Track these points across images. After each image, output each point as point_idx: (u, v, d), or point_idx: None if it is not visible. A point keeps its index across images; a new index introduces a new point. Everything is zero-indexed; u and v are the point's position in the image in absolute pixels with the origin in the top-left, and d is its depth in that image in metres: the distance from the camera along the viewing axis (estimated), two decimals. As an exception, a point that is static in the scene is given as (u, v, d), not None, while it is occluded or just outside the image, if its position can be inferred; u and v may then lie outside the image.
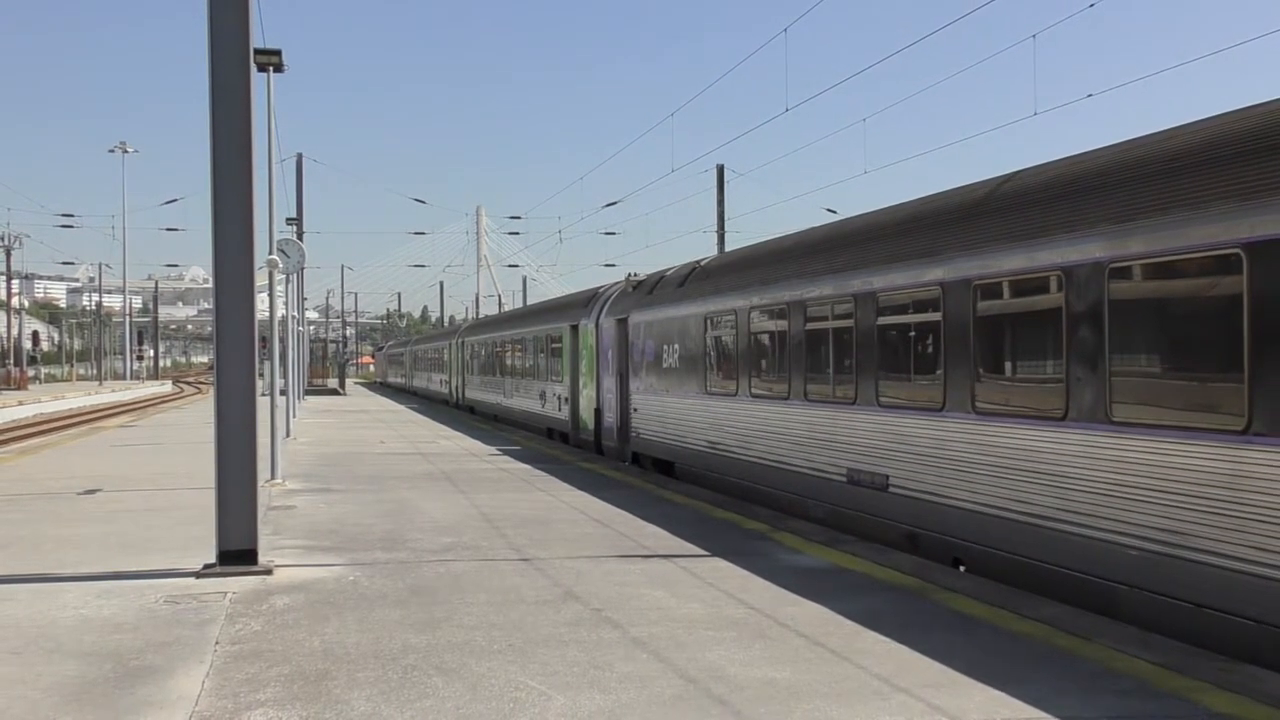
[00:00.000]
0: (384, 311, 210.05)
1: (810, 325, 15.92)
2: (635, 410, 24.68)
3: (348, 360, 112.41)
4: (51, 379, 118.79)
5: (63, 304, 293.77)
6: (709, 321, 20.08)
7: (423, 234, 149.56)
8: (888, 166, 59.39)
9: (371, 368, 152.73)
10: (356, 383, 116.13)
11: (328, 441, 30.56)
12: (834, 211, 45.58)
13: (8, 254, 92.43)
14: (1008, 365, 11.66)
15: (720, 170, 49.04)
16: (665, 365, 22.52)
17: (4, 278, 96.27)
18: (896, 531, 13.51)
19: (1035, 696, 7.22)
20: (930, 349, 12.87)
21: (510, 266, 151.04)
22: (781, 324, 16.91)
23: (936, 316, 12.65)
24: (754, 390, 17.93)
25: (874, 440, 14.09)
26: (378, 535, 13.95)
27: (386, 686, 7.49)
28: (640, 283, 26.37)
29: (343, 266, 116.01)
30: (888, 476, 13.73)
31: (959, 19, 22.40)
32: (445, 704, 7.11)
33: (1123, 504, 9.76)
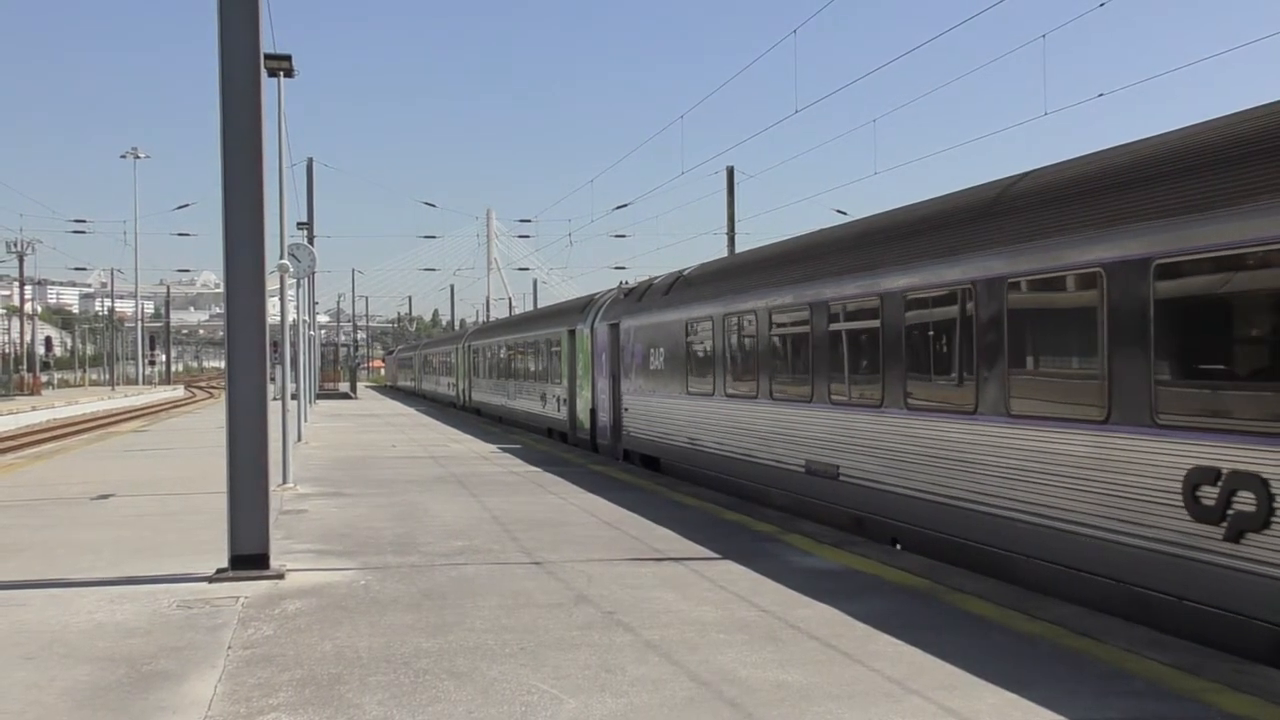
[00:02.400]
0: (395, 315, 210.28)
1: (774, 330, 17.57)
2: (626, 410, 26.21)
3: (359, 364, 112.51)
4: (64, 384, 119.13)
5: (75, 309, 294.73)
6: (689, 327, 21.68)
7: (433, 237, 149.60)
8: (897, 167, 59.48)
9: (382, 371, 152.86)
10: (368, 386, 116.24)
11: (339, 445, 30.59)
12: (844, 213, 45.61)
13: (21, 259, 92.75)
14: (932, 366, 13.15)
15: (730, 172, 49.07)
16: (652, 368, 24.08)
17: (17, 283, 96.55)
18: (846, 516, 15.10)
19: (1047, 698, 7.21)
20: (872, 353, 14.43)
21: (520, 269, 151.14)
22: (751, 329, 18.49)
23: (876, 324, 14.24)
24: (728, 390, 19.48)
25: (827, 435, 15.70)
26: (389, 539, 13.97)
27: (398, 690, 7.50)
28: (631, 290, 28.04)
29: (353, 270, 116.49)
30: (838, 467, 15.32)
31: (969, 19, 22.40)
32: (457, 708, 7.12)
33: (1019, 485, 11.37)
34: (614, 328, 27.53)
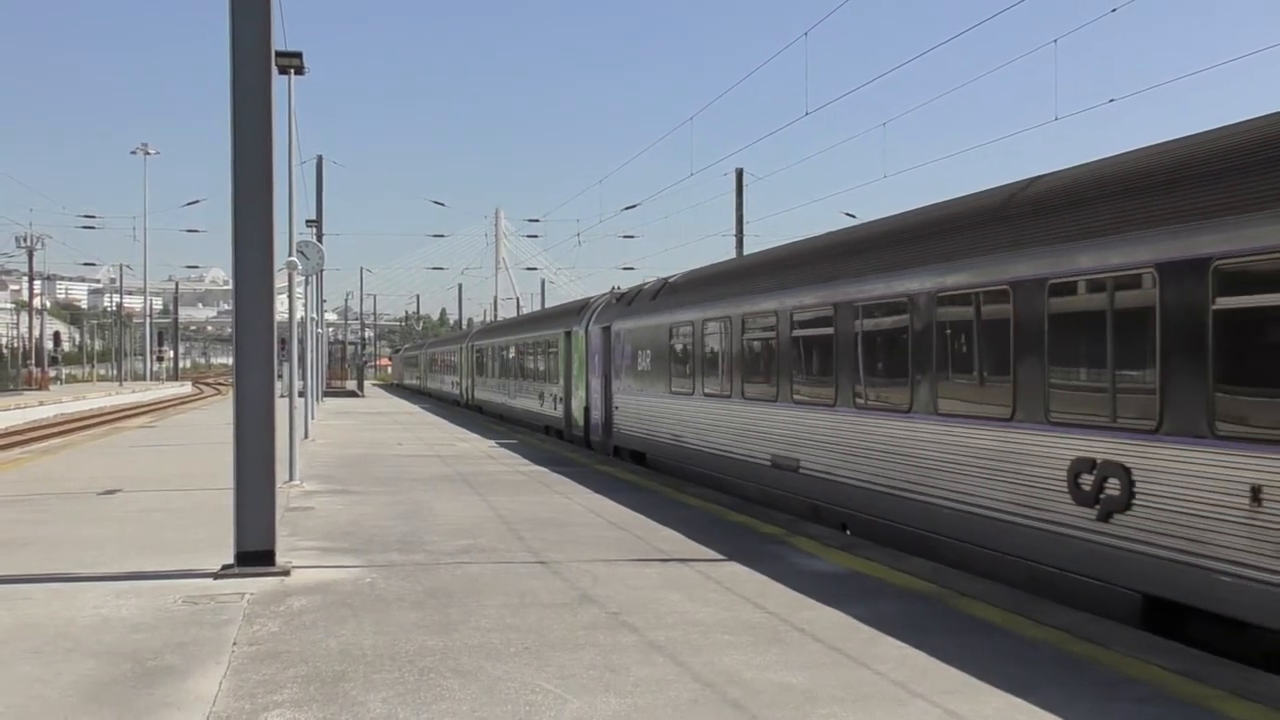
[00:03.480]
0: (403, 314, 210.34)
1: (747, 335, 19.03)
2: (617, 408, 27.73)
3: (366, 362, 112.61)
4: (72, 379, 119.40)
5: (84, 305, 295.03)
6: (672, 331, 23.28)
7: (442, 236, 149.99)
8: (907, 171, 59.45)
9: (389, 369, 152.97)
10: (374, 384, 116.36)
11: (345, 443, 30.62)
12: (852, 216, 45.55)
13: (30, 254, 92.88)
14: (877, 369, 14.64)
15: (739, 174, 49.04)
16: (640, 369, 25.63)
17: (26, 278, 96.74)
18: (806, 505, 16.49)
19: (1051, 703, 7.20)
20: (828, 357, 15.87)
21: (529, 269, 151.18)
22: (725, 333, 20.05)
23: (831, 331, 15.69)
24: (705, 390, 21.01)
25: (789, 431, 17.17)
26: (395, 537, 13.98)
27: (403, 688, 7.51)
28: (623, 295, 29.68)
29: (361, 269, 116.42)
30: (799, 460, 16.77)
31: (980, 23, 22.41)
32: (461, 706, 7.12)
33: (946, 475, 12.79)
34: (606, 330, 28.96)
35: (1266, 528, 8.56)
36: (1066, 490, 10.70)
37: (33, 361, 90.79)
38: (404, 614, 9.74)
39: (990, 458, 11.93)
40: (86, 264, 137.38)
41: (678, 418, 22.70)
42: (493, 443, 30.87)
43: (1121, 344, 10.25)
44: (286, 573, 11.47)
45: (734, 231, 48.99)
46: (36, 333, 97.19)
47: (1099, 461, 10.31)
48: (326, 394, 64.47)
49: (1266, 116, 9.59)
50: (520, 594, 10.57)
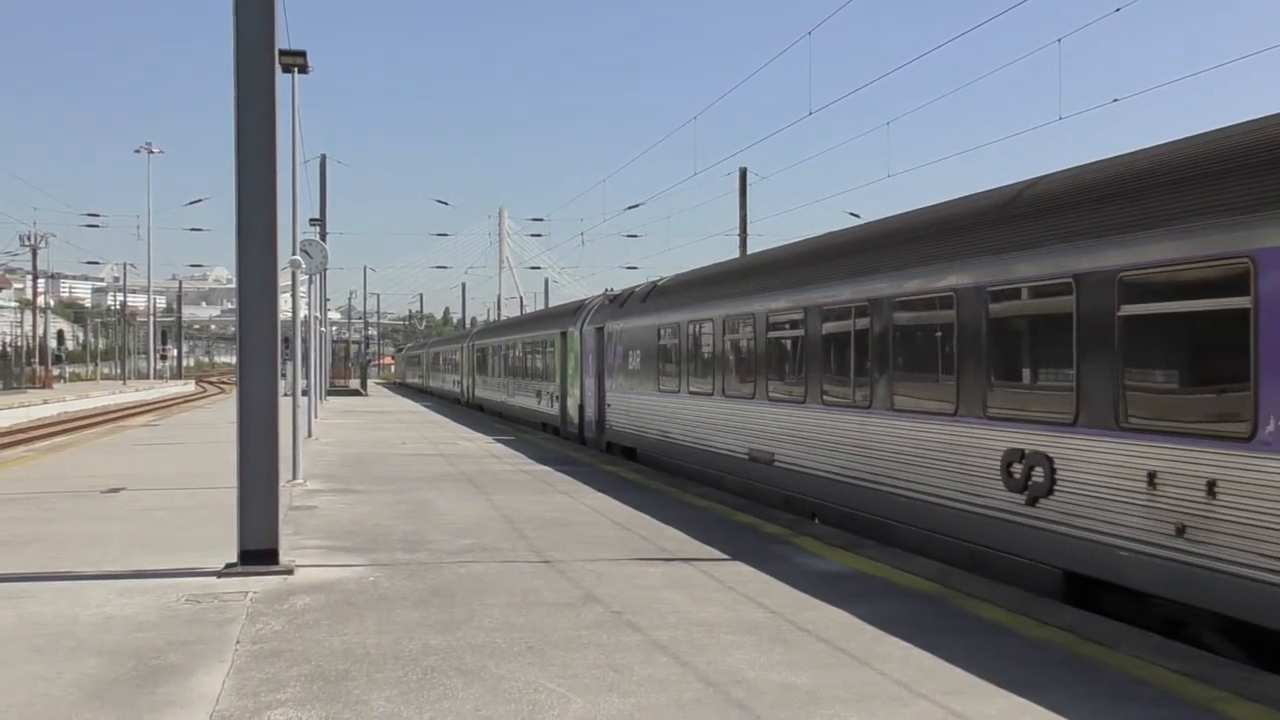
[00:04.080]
0: (406, 313, 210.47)
1: (727, 336, 20.14)
2: (609, 405, 28.87)
3: (369, 361, 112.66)
4: (76, 378, 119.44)
5: (88, 303, 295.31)
6: (660, 332, 24.47)
7: (445, 235, 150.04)
8: (911, 170, 59.47)
9: (393, 369, 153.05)
10: (378, 383, 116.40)
11: (349, 442, 30.63)
12: (856, 215, 45.60)
13: (34, 253, 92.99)
14: (841, 369, 15.58)
15: (743, 173, 48.98)
16: (631, 368, 26.81)
17: (30, 276, 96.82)
18: (779, 496, 17.66)
19: (1056, 704, 7.18)
20: (798, 357, 17.04)
21: (532, 268, 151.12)
22: (709, 335, 21.21)
23: (801, 332, 16.88)
24: (691, 389, 22.14)
25: (765, 427, 18.26)
26: (398, 536, 13.97)
27: (406, 687, 7.50)
28: (615, 297, 30.89)
29: (365, 268, 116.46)
30: (773, 454, 17.84)
31: (983, 23, 22.37)
32: (464, 705, 7.11)
33: (900, 466, 13.82)
34: (600, 331, 30.15)
35: (1160, 508, 9.62)
36: (1000, 478, 11.80)
37: (37, 360, 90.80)
38: (407, 613, 9.73)
39: (937, 449, 13.03)
40: (90, 262, 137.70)
41: (665, 415, 23.87)
42: (496, 442, 30.87)
43: (1046, 345, 11.50)
44: (290, 571, 11.46)
45: (738, 231, 48.95)
46: (40, 331, 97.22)
47: (1027, 452, 11.39)
48: (330, 393, 64.50)
49: (1166, 144, 10.79)
50: (524, 593, 10.56)
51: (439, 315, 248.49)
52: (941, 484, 12.88)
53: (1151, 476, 9.69)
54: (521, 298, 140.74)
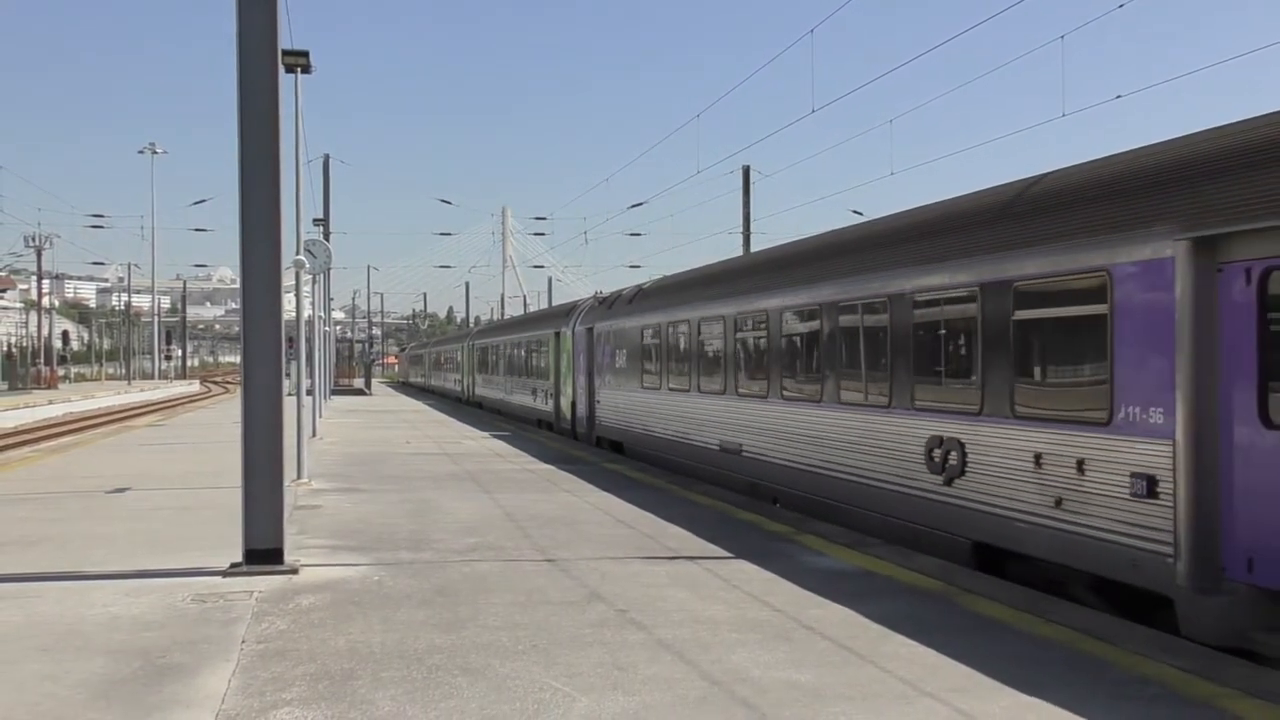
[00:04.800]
0: (410, 312, 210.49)
1: (702, 337, 21.84)
2: (598, 402, 30.71)
3: (373, 360, 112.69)
4: (81, 378, 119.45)
5: (92, 304, 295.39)
6: (643, 332, 26.20)
7: (449, 234, 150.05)
8: (914, 168, 59.40)
9: (396, 368, 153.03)
10: (381, 382, 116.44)
11: (353, 441, 30.64)
12: (859, 213, 45.63)
13: (39, 254, 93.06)
14: (797, 366, 17.45)
15: (746, 171, 49.00)
16: (617, 366, 28.52)
17: (35, 277, 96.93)
18: (745, 483, 19.16)
19: (1061, 701, 7.19)
20: (762, 355, 18.73)
21: (536, 267, 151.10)
22: (685, 336, 22.90)
23: (765, 333, 18.55)
24: (670, 386, 23.92)
25: (733, 420, 19.95)
26: (403, 535, 13.99)
27: (411, 686, 7.52)
28: (605, 299, 32.82)
29: (369, 267, 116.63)
30: (741, 445, 19.52)
31: (986, 20, 22.33)
32: (469, 704, 7.13)
33: (847, 453, 15.42)
34: (589, 331, 31.90)
35: (1044, 484, 11.22)
36: (924, 462, 13.41)
37: (41, 360, 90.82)
38: (412, 612, 9.75)
39: (875, 438, 14.66)
40: (95, 263, 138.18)
41: (648, 410, 25.63)
42: (500, 441, 30.88)
43: (959, 345, 13.14)
44: (295, 571, 11.48)
45: (741, 229, 48.96)
46: (45, 332, 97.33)
47: (944, 438, 13.04)
48: (334, 392, 64.53)
49: (1049, 173, 12.57)
50: (528, 592, 10.58)
51: (443, 315, 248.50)
52: (879, 468, 14.51)
53: (1038, 457, 11.33)
54: (525, 297, 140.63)
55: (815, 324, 16.61)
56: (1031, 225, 11.83)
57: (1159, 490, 9.74)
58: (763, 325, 18.63)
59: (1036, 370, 11.70)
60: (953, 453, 12.82)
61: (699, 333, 21.96)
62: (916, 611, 9.85)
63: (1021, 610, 9.86)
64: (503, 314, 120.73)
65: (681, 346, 23.16)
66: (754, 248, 46.05)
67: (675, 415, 23.43)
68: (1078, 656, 8.36)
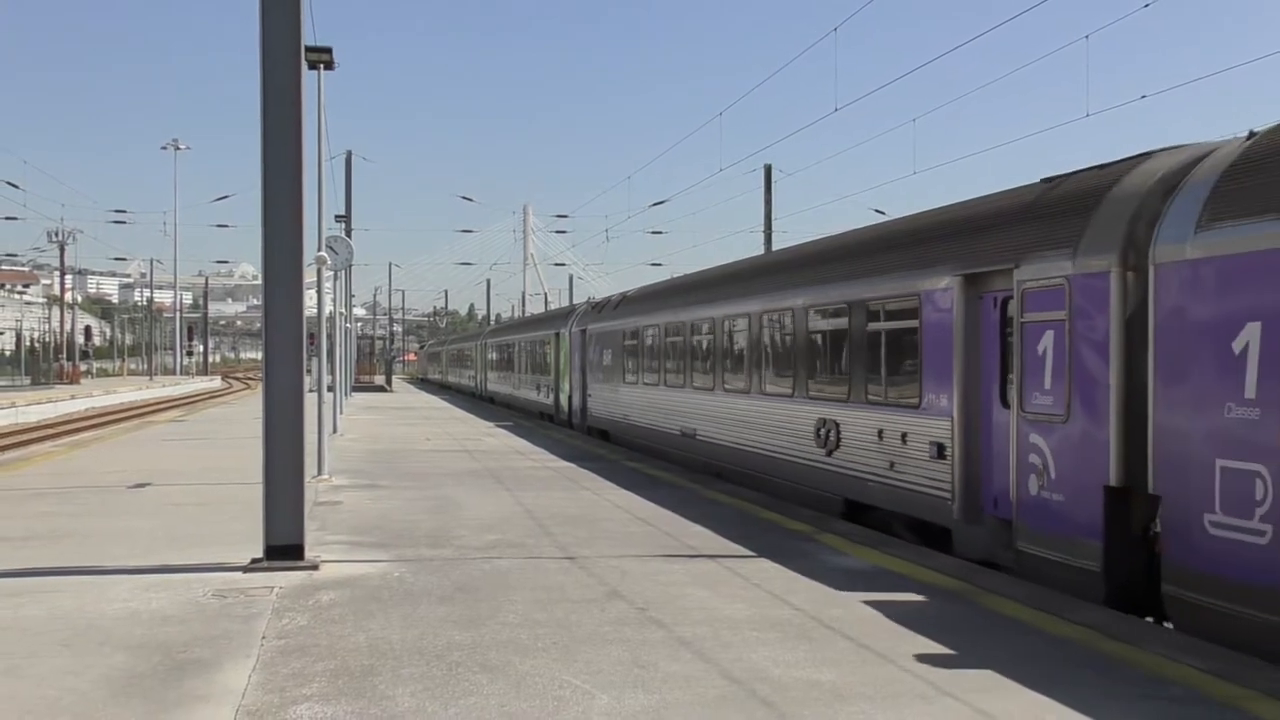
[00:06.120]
0: (431, 309, 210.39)
1: (668, 338, 25.96)
2: (590, 396, 34.88)
3: (394, 357, 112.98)
4: (103, 373, 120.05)
5: (115, 299, 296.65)
6: (624, 334, 30.32)
7: (470, 232, 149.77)
8: (937, 167, 59.15)
9: (415, 365, 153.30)
10: (401, 379, 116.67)
11: (374, 438, 30.71)
12: (881, 212, 45.56)
13: (61, 249, 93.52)
14: (734, 364, 21.18)
15: (768, 170, 48.90)
16: (604, 363, 32.73)
17: (58, 272, 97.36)
18: (700, 463, 22.81)
19: (1081, 701, 7.16)
20: (710, 355, 22.67)
21: (557, 265, 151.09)
22: (655, 337, 27.00)
23: (712, 336, 22.51)
24: (644, 381, 27.87)
25: (690, 409, 23.89)
26: (423, 532, 14.01)
27: (431, 683, 7.52)
28: (596, 304, 37.46)
29: (390, 264, 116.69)
30: (696, 430, 23.45)
31: (1011, 19, 22.27)
32: (489, 701, 7.13)
33: (767, 434, 19.22)
34: (583, 332, 36.11)
35: (883, 452, 14.94)
36: (815, 439, 17.03)
37: (64, 356, 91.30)
38: (432, 608, 9.76)
39: (784, 421, 18.39)
40: (117, 259, 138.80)
41: (627, 402, 29.64)
42: (520, 439, 30.91)
43: (836, 348, 16.83)
44: (315, 567, 11.50)
45: (762, 228, 48.86)
46: (68, 327, 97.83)
47: (826, 420, 16.73)
48: (355, 389, 64.72)
49: (894, 219, 17.74)
50: (548, 589, 10.58)
51: (464, 312, 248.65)
52: (787, 445, 18.23)
53: (880, 433, 15.07)
54: (546, 294, 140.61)
55: (746, 330, 20.47)
56: (879, 259, 15.76)
57: (945, 454, 13.44)
58: (710, 331, 22.70)
59: (881, 367, 15.29)
60: (832, 431, 16.52)
61: (665, 335, 26.15)
62: (936, 611, 9.81)
63: (1041, 610, 9.82)
64: (523, 312, 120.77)
65: (651, 347, 27.39)
66: (775, 246, 46.04)
67: (648, 406, 27.45)
68: (1098, 656, 8.32)
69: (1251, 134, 9.80)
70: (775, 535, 13.96)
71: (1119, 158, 11.84)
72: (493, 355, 62.14)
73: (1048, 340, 11.56)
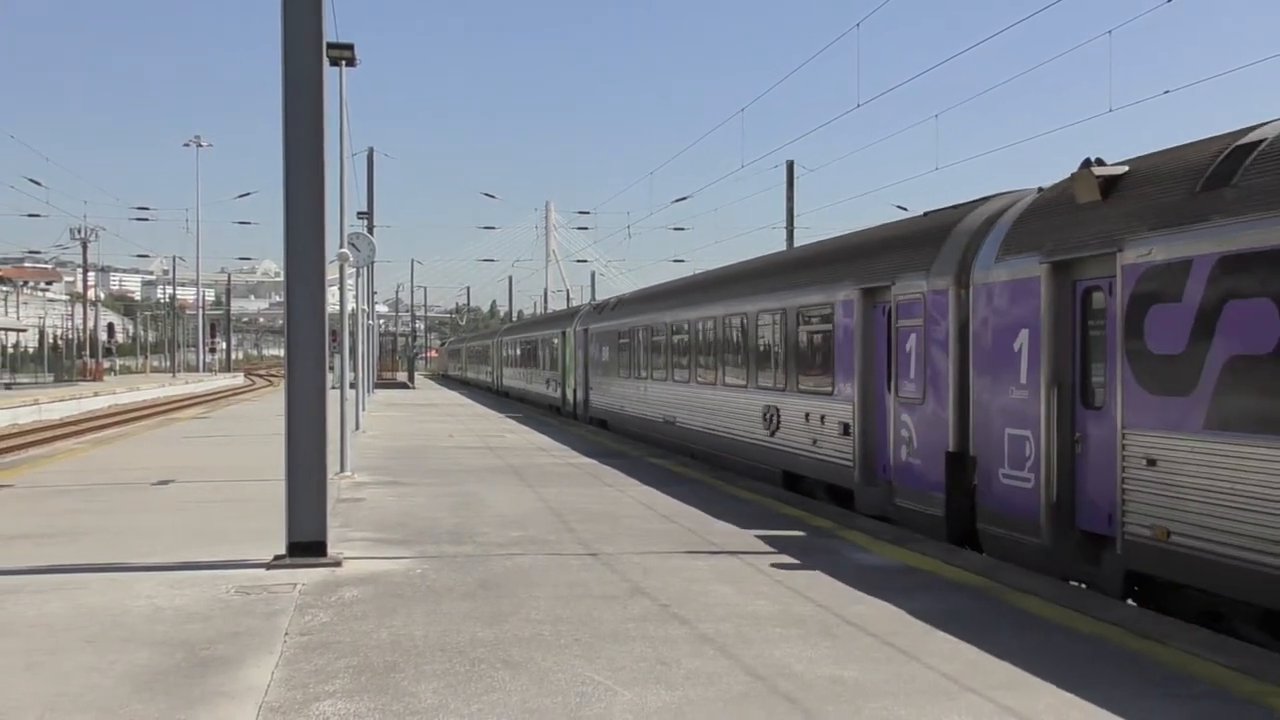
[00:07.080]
0: (453, 305, 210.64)
1: (654, 337, 29.45)
2: (591, 389, 38.53)
3: (417, 354, 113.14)
4: (126, 371, 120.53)
5: (137, 296, 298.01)
6: (619, 333, 34.13)
7: (492, 228, 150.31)
8: (959, 163, 59.12)
9: (437, 361, 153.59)
10: (424, 375, 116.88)
11: (396, 435, 30.77)
12: (904, 209, 45.44)
13: (84, 246, 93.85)
14: (705, 359, 24.45)
15: (790, 166, 48.81)
16: (603, 360, 36.41)
17: (81, 269, 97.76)
18: (680, 447, 26.06)
19: (1106, 699, 7.12)
20: (685, 351, 26.14)
21: (579, 261, 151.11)
22: (645, 336, 30.54)
23: (689, 335, 25.82)
24: (637, 375, 31.32)
25: (671, 399, 27.39)
26: (446, 528, 14.02)
27: (454, 679, 7.52)
28: (598, 305, 41.45)
29: (412, 261, 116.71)
30: (675, 418, 26.93)
31: (1033, 14, 22.20)
32: (511, 697, 7.13)
33: (729, 419, 22.42)
34: (585, 331, 39.85)
35: (809, 432, 18.11)
36: (762, 422, 20.32)
37: (87, 353, 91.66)
38: (455, 605, 9.77)
39: (740, 408, 21.71)
40: (140, 256, 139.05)
41: (622, 394, 33.28)
42: (541, 434, 30.94)
43: (777, 346, 19.91)
44: (338, 563, 11.52)
45: (785, 224, 48.77)
46: (91, 324, 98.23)
47: (770, 406, 20.01)
48: (377, 386, 64.82)
49: (823, 240, 21.29)
50: (571, 585, 10.58)
51: (486, 308, 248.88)
52: (742, 428, 21.54)
53: (808, 416, 18.25)
54: (568, 291, 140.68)
55: (714, 331, 23.76)
56: (806, 273, 19.15)
57: (849, 431, 16.65)
58: (686, 331, 26.11)
59: (808, 363, 18.53)
60: (774, 416, 19.79)
61: (652, 334, 29.63)
62: (960, 608, 9.78)
63: (1066, 607, 9.77)
64: (545, 308, 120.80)
65: (640, 345, 30.91)
66: (798, 242, 45.98)
67: (638, 397, 31.03)
68: (1123, 654, 8.28)
69: (1040, 190, 13.27)
70: (797, 531, 13.93)
71: (973, 198, 15.53)
72: (508, 352, 66.14)
73: (912, 341, 15.01)
